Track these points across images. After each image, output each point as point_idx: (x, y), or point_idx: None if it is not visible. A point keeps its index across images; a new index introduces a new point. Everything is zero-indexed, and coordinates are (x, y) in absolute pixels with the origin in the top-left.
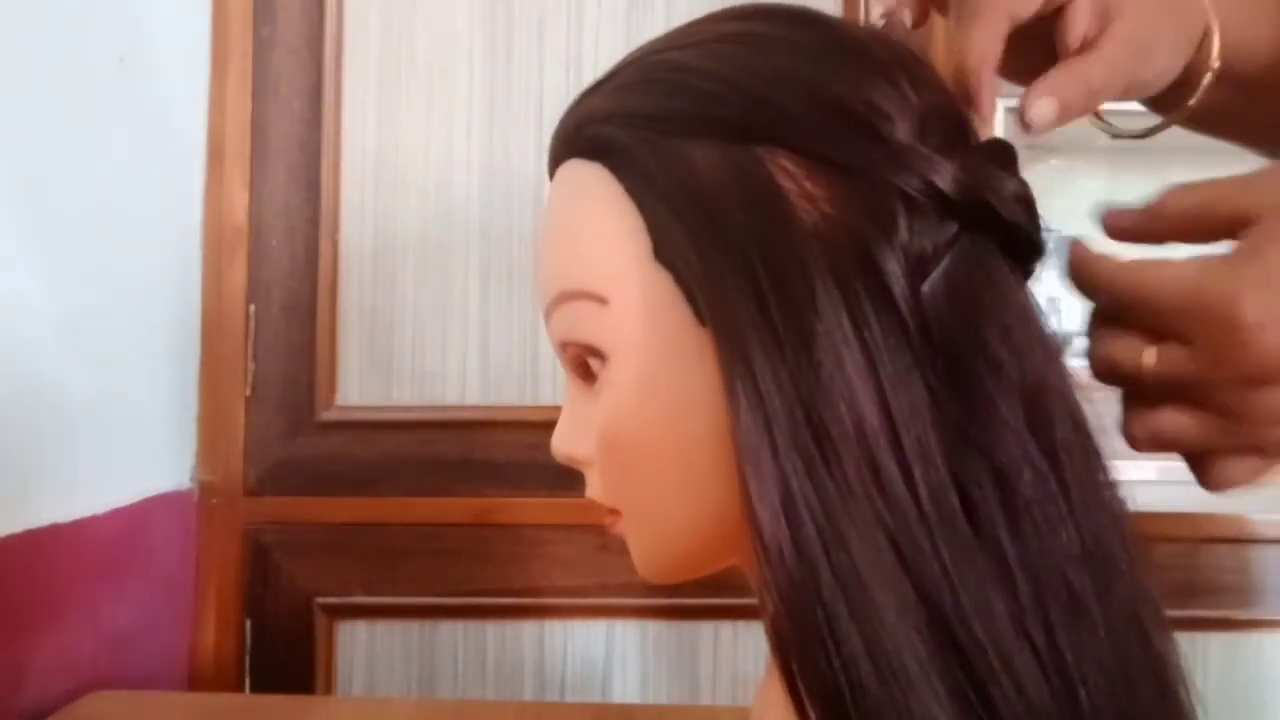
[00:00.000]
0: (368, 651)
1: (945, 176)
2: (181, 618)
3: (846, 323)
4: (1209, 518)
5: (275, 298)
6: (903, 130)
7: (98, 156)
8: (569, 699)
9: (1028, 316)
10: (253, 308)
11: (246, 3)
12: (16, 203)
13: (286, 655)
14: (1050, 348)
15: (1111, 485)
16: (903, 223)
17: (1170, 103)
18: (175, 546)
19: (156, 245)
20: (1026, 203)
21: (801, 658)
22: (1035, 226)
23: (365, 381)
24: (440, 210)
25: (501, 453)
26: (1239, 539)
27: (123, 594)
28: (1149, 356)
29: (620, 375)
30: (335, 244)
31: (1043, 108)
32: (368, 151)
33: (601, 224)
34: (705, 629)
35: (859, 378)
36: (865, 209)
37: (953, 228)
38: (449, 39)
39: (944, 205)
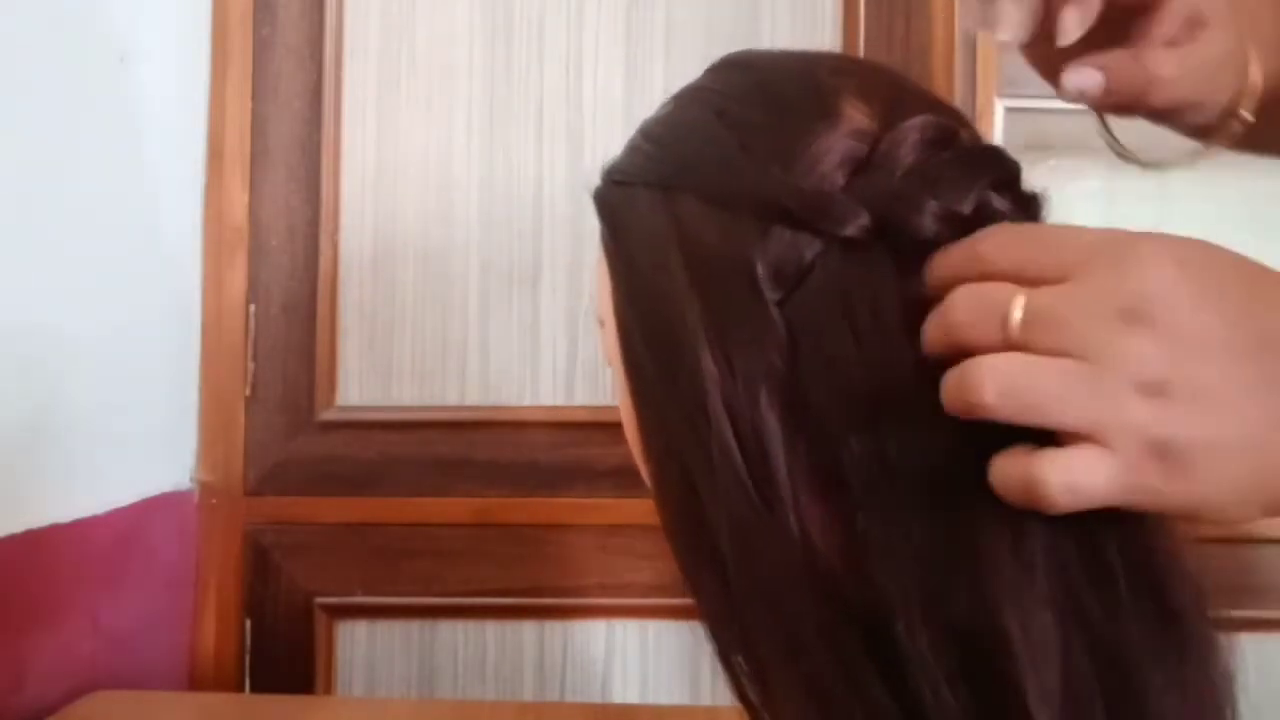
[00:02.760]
0: (368, 651)
1: (835, 208)
2: (181, 618)
3: (712, 365)
4: None
5: (275, 298)
6: (810, 157)
7: (98, 156)
8: (569, 699)
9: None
10: (253, 308)
11: (246, 3)
12: (16, 202)
13: (286, 655)
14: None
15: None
16: (773, 254)
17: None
18: (175, 546)
19: (156, 245)
20: (951, 220)
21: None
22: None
23: (365, 381)
24: (440, 210)
25: (501, 453)
26: (1239, 539)
27: (123, 594)
28: (1018, 304)
29: (616, 383)
30: (335, 244)
31: (1087, 78)
32: (368, 151)
33: (601, 263)
34: None
35: (720, 402)
36: (741, 243)
37: (818, 253)
38: (449, 39)
39: (819, 234)
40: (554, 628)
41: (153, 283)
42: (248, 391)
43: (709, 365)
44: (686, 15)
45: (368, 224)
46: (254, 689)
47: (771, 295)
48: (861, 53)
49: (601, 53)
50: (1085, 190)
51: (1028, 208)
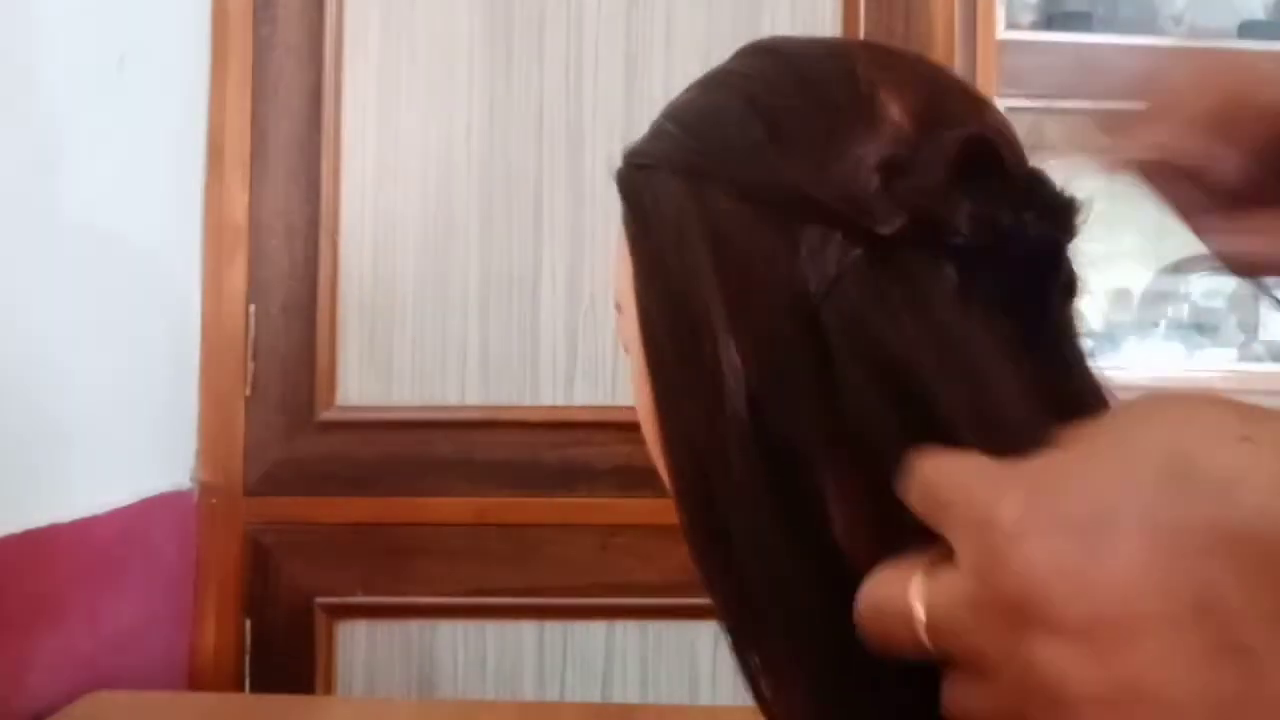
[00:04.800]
0: (368, 651)
1: (873, 208)
2: (181, 618)
3: (736, 358)
4: None
5: (275, 298)
6: (846, 155)
7: (98, 156)
8: (569, 699)
9: (948, 340)
10: (253, 308)
11: (246, 3)
12: (17, 202)
13: (286, 655)
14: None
15: None
16: (805, 250)
17: None
18: (175, 546)
19: (156, 245)
20: (987, 225)
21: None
22: (1002, 242)
23: (365, 381)
24: (440, 210)
25: (501, 453)
26: None
27: (123, 594)
28: (918, 608)
29: (632, 369)
30: (335, 244)
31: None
32: (368, 151)
33: (620, 247)
34: (705, 629)
35: (744, 404)
36: (771, 237)
37: (854, 252)
38: (449, 39)
39: (856, 232)
40: (554, 628)
41: (153, 283)
42: (248, 391)
43: (734, 363)
44: (686, 15)
45: (368, 224)
46: (254, 689)
47: (802, 297)
48: None
49: (601, 53)
50: (1085, 190)
51: (1062, 225)
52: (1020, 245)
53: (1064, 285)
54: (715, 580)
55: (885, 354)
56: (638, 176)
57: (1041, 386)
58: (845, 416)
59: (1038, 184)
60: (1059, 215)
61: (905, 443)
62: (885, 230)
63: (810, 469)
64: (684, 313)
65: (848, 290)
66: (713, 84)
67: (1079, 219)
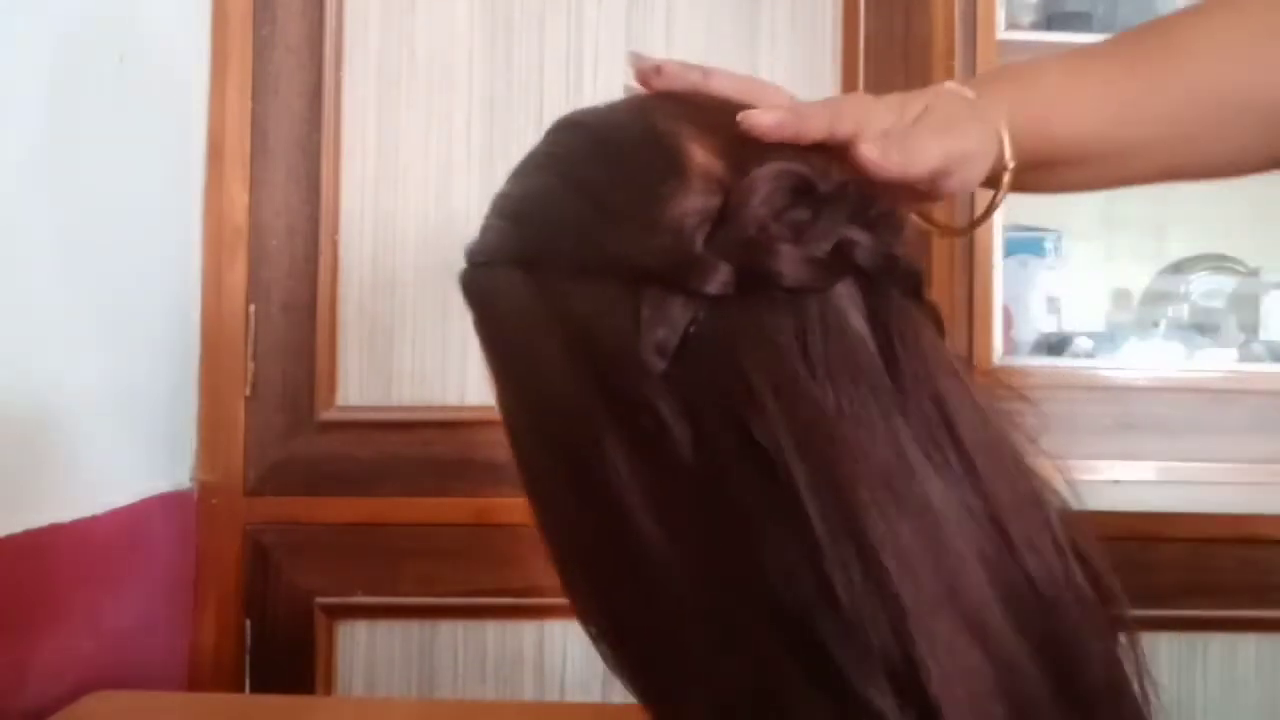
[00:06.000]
0: (368, 651)
1: (699, 267)
2: (181, 618)
3: (610, 444)
4: (1209, 517)
5: (275, 298)
6: (666, 213)
7: (98, 156)
8: (569, 699)
9: (794, 379)
10: (253, 308)
11: (246, 3)
12: (16, 202)
13: (286, 655)
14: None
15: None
16: (647, 317)
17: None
18: (175, 546)
19: (156, 245)
20: (811, 264)
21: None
22: (831, 271)
23: (365, 381)
24: (440, 210)
25: (501, 453)
26: (1239, 539)
27: (123, 594)
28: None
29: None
30: (335, 244)
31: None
32: (368, 151)
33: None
34: None
35: (613, 482)
36: (613, 310)
37: (695, 311)
38: (449, 39)
39: (690, 293)
40: (554, 628)
41: (153, 283)
42: (247, 391)
43: (615, 459)
44: (686, 15)
45: (368, 224)
46: (254, 689)
47: (658, 366)
48: (862, 52)
49: (601, 53)
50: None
51: (886, 231)
52: (850, 267)
53: (909, 285)
54: (617, 652)
55: (735, 413)
56: (477, 275)
57: (902, 408)
58: (710, 480)
59: (852, 199)
60: (881, 222)
61: (772, 513)
62: (713, 290)
63: (656, 539)
64: (541, 402)
65: (695, 355)
66: (528, 169)
67: (900, 224)
